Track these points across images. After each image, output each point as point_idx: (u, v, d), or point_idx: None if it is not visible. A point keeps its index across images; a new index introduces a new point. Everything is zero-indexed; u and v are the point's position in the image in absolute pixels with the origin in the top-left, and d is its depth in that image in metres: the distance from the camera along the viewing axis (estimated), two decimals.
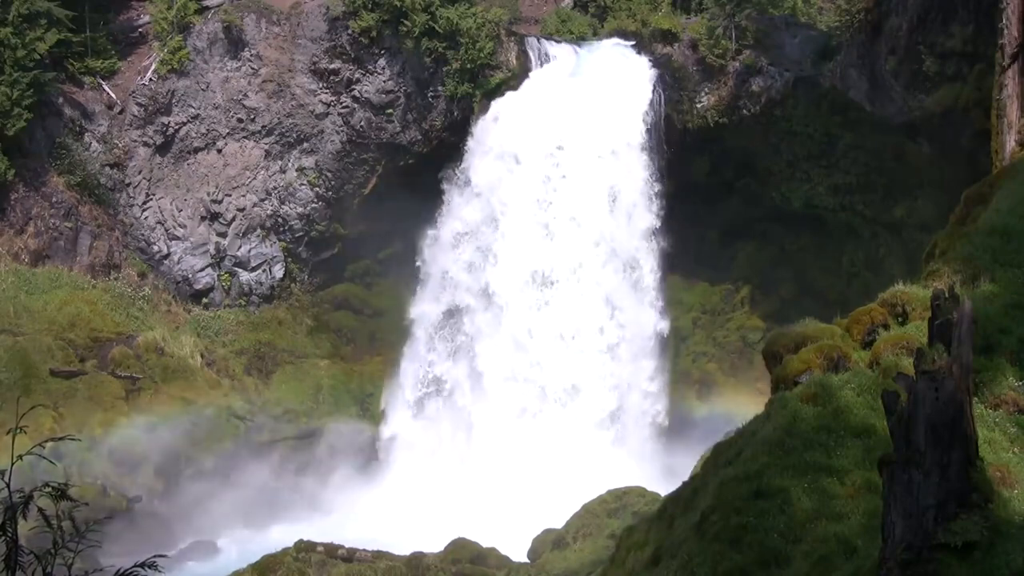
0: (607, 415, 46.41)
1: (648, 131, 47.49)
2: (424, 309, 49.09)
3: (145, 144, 49.77)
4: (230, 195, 50.53)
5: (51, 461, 8.20)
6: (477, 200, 47.84)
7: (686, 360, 49.84)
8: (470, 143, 47.96)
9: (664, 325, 47.89)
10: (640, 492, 35.78)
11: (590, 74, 47.94)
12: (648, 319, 47.43)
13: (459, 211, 48.34)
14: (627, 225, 47.20)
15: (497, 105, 47.98)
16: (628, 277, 47.46)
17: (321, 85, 49.95)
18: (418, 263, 48.96)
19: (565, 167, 46.82)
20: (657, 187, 47.38)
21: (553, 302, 46.53)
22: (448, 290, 48.42)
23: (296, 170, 50.61)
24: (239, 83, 50.11)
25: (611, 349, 46.70)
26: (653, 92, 47.80)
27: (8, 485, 7.18)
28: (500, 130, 47.49)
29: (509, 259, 46.98)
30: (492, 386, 46.36)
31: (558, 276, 46.67)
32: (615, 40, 49.79)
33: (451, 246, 48.33)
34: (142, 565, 7.36)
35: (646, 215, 47.23)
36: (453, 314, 48.49)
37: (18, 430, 7.64)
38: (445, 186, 48.48)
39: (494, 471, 43.28)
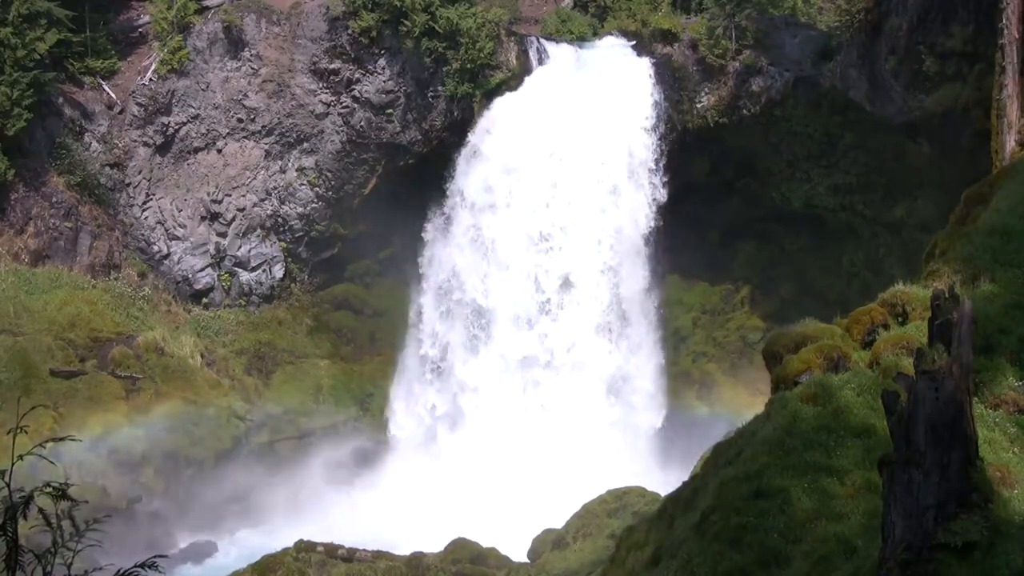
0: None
1: (648, 290, 44.84)
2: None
3: (145, 144, 49.75)
4: (230, 195, 50.51)
5: (51, 461, 8.19)
6: (437, 379, 45.73)
7: (686, 360, 49.73)
8: (425, 244, 47.20)
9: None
10: (640, 492, 35.76)
11: (586, 94, 46.01)
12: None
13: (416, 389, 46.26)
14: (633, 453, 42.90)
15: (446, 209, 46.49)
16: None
17: (321, 85, 49.91)
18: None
19: (553, 342, 43.23)
20: (661, 362, 44.56)
21: None
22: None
23: (296, 170, 50.58)
24: (239, 83, 50.09)
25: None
26: (654, 109, 46.23)
27: (8, 485, 7.17)
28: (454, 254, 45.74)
29: None
30: None
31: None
32: (615, 40, 49.69)
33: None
34: (142, 565, 7.35)
35: (655, 415, 43.71)
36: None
37: (18, 430, 7.63)
38: (407, 349, 47.14)
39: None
